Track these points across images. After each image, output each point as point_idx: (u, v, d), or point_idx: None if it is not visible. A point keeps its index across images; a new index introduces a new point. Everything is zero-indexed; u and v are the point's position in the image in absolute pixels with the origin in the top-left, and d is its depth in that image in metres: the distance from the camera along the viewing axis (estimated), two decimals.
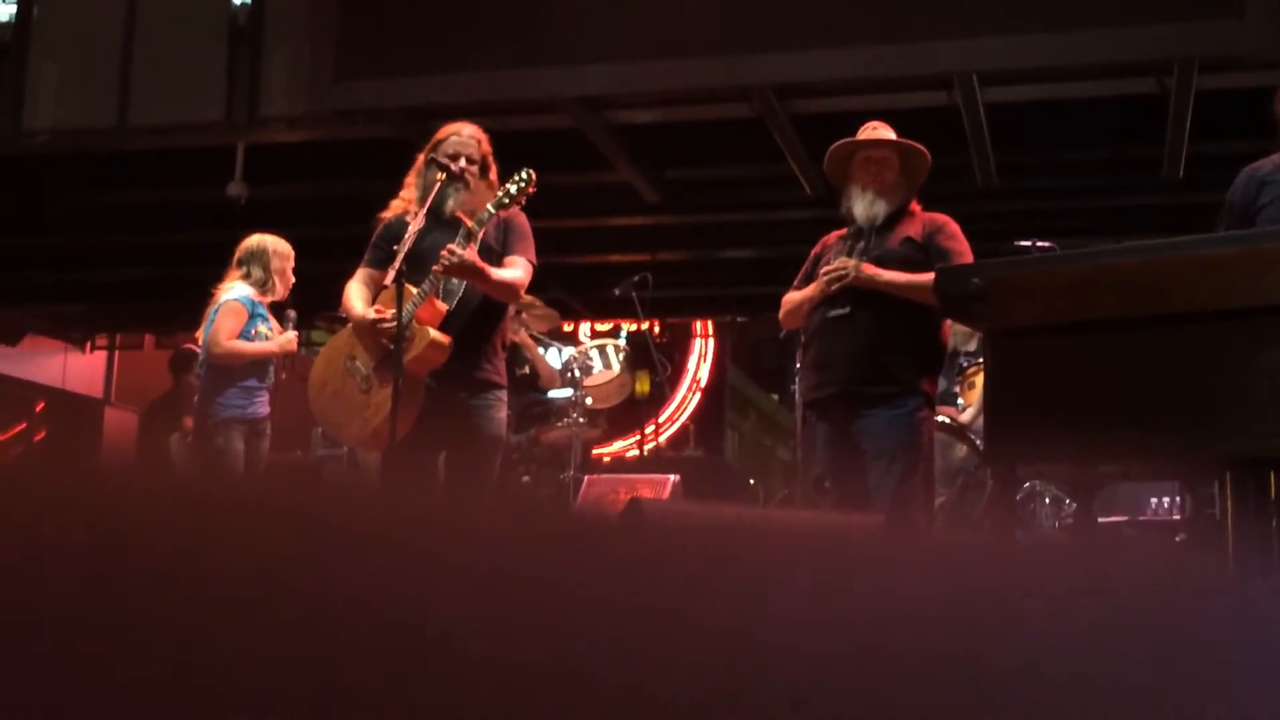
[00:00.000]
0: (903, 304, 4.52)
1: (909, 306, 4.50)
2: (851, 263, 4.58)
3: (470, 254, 4.52)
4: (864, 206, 4.74)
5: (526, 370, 8.57)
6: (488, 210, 4.64)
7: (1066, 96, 7.67)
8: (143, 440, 9.52)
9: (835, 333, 4.64)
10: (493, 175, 4.83)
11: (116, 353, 15.58)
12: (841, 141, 4.88)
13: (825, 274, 4.64)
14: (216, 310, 6.35)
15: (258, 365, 6.39)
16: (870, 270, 4.56)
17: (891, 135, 4.85)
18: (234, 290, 6.40)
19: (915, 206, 4.81)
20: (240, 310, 6.33)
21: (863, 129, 4.91)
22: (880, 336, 4.55)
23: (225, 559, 0.69)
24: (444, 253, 4.49)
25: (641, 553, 0.89)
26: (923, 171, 4.82)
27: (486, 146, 4.86)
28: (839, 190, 4.90)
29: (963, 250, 4.62)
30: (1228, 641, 0.77)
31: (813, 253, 4.96)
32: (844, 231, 4.84)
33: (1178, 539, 5.95)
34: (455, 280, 4.67)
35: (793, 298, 4.85)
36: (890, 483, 4.45)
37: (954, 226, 4.71)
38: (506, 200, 4.68)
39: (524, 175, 4.70)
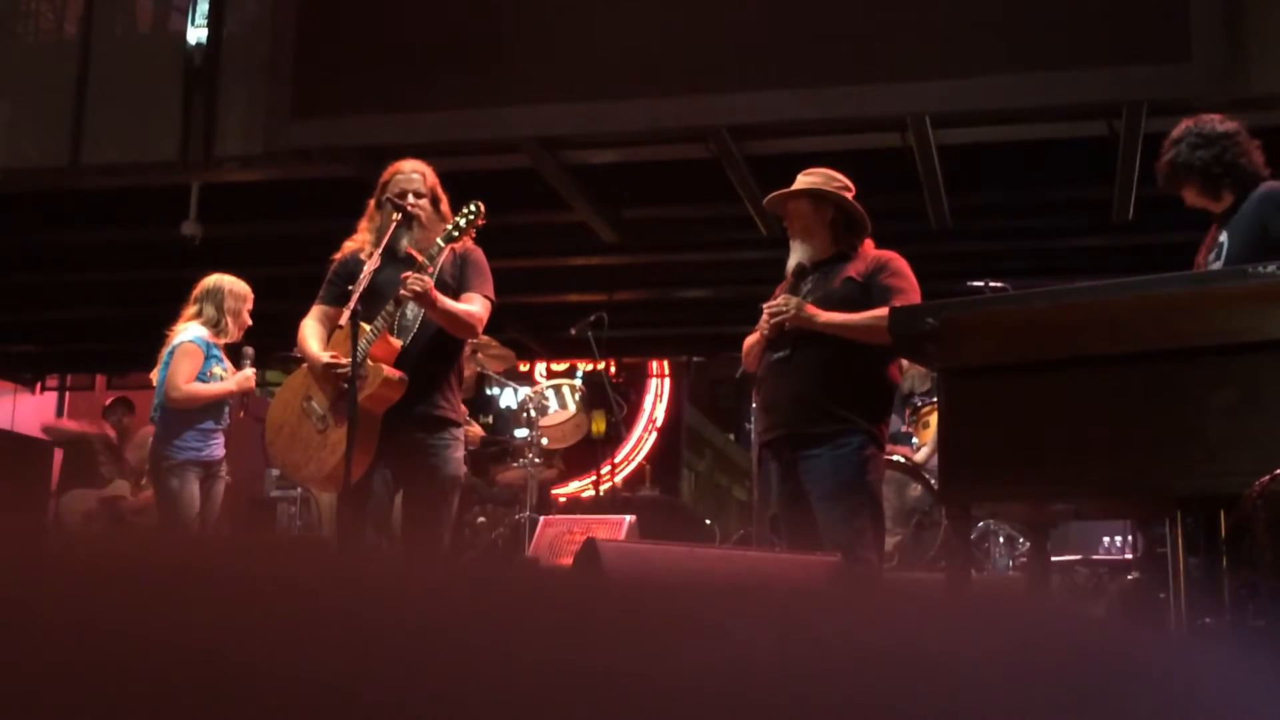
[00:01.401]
0: (844, 344, 4.53)
1: (850, 346, 4.51)
2: (791, 302, 4.60)
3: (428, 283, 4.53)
4: (792, 254, 4.81)
5: (490, 420, 8.58)
6: (437, 244, 4.65)
7: (1018, 139, 7.75)
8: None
9: (779, 374, 4.66)
10: (444, 207, 4.84)
11: (67, 394, 15.40)
12: (768, 198, 4.96)
13: (766, 311, 4.67)
14: (171, 352, 6.29)
15: (213, 407, 6.34)
16: (810, 310, 4.57)
17: (808, 180, 4.85)
18: (188, 332, 6.34)
19: (866, 246, 4.81)
20: (196, 352, 6.27)
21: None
22: (821, 377, 4.56)
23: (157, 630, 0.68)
24: (409, 276, 4.48)
25: (595, 596, 0.88)
26: (855, 212, 4.78)
27: (433, 179, 4.88)
28: None
29: (904, 287, 4.61)
30: (1179, 696, 0.78)
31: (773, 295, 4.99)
32: None
33: (1130, 577, 5.99)
34: (410, 316, 4.66)
35: (749, 340, 4.88)
36: (837, 521, 4.45)
37: (899, 263, 4.70)
38: (456, 233, 4.68)
39: (472, 208, 4.72)
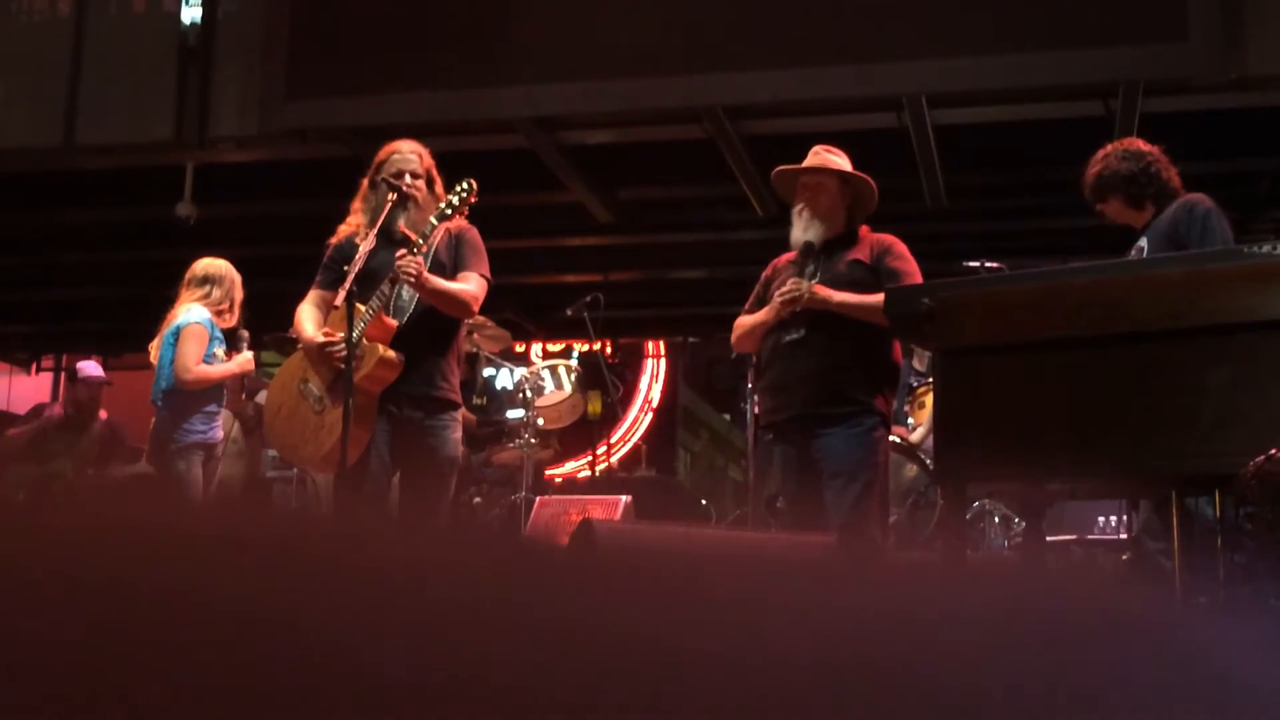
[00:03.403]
0: (855, 325, 4.55)
1: (861, 327, 4.54)
2: (804, 285, 4.61)
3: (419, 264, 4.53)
4: (799, 229, 4.82)
5: (485, 401, 8.56)
6: (430, 223, 4.64)
7: (1015, 119, 7.74)
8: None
9: (791, 356, 4.67)
10: (439, 189, 4.84)
11: (63, 374, 15.38)
12: (782, 168, 4.95)
13: (779, 295, 4.67)
14: (176, 332, 6.20)
15: (216, 389, 6.31)
16: (822, 292, 4.59)
17: (836, 160, 4.87)
18: (193, 312, 6.25)
19: (864, 229, 4.84)
20: (204, 334, 6.20)
21: (810, 154, 4.94)
22: (835, 358, 4.59)
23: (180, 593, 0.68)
24: (402, 254, 4.48)
25: (593, 575, 0.88)
26: (869, 197, 4.84)
27: (429, 160, 4.87)
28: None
29: (911, 270, 4.65)
30: (1175, 670, 0.78)
31: (763, 276, 4.99)
32: (794, 255, 4.87)
33: (1124, 557, 6.00)
34: (405, 296, 4.66)
35: (745, 322, 4.87)
36: (847, 500, 4.48)
37: (901, 247, 4.75)
38: (449, 211, 4.68)
39: (465, 185, 4.72)
